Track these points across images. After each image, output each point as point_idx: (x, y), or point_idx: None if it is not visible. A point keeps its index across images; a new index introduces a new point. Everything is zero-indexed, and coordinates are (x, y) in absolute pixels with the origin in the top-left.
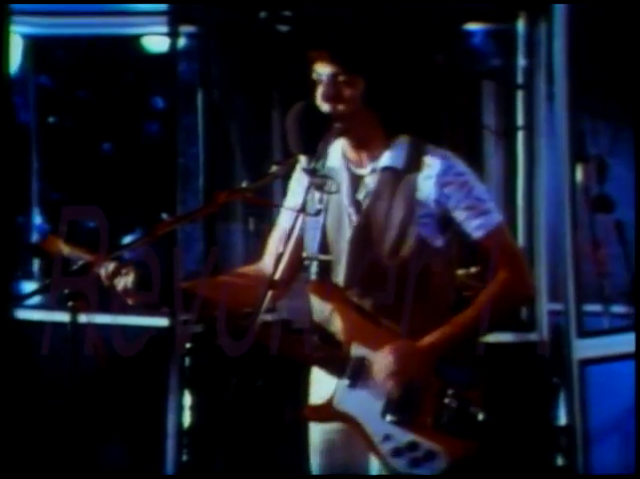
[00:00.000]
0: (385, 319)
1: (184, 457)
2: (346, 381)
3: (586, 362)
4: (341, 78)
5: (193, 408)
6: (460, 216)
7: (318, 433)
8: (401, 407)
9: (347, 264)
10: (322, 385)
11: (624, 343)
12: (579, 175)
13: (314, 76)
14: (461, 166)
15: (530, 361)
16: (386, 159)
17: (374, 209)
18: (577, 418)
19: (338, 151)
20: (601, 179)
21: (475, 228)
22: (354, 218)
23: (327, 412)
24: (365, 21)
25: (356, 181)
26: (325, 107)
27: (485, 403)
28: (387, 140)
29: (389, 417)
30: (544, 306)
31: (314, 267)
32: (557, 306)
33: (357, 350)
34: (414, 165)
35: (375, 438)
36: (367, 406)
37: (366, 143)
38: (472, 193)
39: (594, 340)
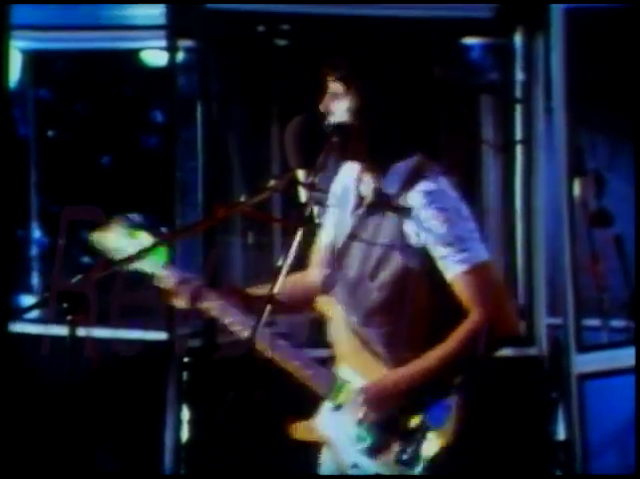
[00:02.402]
0: (366, 339)
1: (182, 471)
2: (330, 404)
3: (585, 377)
4: (341, 90)
5: (191, 422)
6: (438, 252)
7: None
8: (370, 439)
9: (337, 280)
10: None
11: (623, 358)
12: (577, 189)
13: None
14: (446, 199)
15: (529, 376)
16: (383, 182)
17: (362, 229)
18: (576, 433)
19: (353, 172)
20: (599, 193)
21: (450, 265)
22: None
23: (309, 432)
24: (367, 37)
25: (358, 201)
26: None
27: (457, 442)
28: (390, 162)
29: (359, 446)
30: (543, 321)
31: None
32: (556, 321)
33: (344, 371)
34: (405, 193)
35: (344, 464)
36: (343, 432)
37: (371, 165)
38: (451, 230)
39: (593, 355)
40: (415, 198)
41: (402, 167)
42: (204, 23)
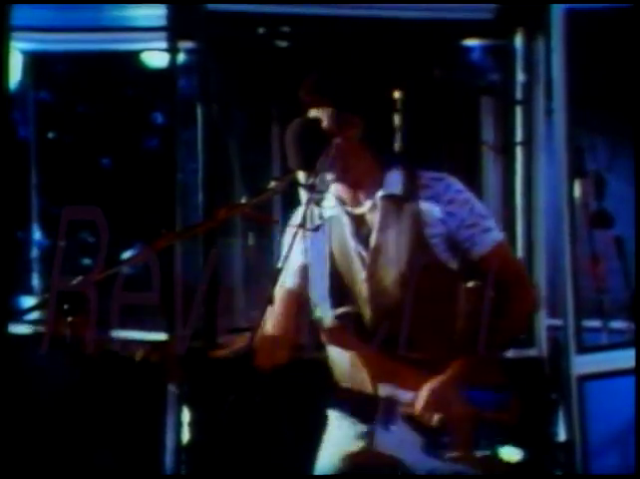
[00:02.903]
0: (406, 350)
1: (183, 472)
2: (380, 423)
3: (585, 378)
4: (339, 119)
5: (192, 424)
6: (463, 234)
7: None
8: (441, 440)
9: (370, 304)
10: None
11: (623, 359)
12: (577, 190)
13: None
14: (458, 184)
15: (529, 377)
16: (384, 189)
17: (382, 241)
18: (576, 434)
19: (332, 197)
20: (599, 194)
21: (478, 245)
22: (364, 255)
23: (368, 457)
24: (358, 55)
25: (357, 221)
26: None
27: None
28: (380, 174)
29: (431, 451)
30: (543, 322)
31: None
32: (556, 322)
33: (384, 390)
34: (412, 189)
35: (421, 473)
36: (407, 444)
37: (361, 181)
38: (474, 210)
39: (593, 356)
40: (430, 186)
41: (396, 172)
42: (205, 25)
